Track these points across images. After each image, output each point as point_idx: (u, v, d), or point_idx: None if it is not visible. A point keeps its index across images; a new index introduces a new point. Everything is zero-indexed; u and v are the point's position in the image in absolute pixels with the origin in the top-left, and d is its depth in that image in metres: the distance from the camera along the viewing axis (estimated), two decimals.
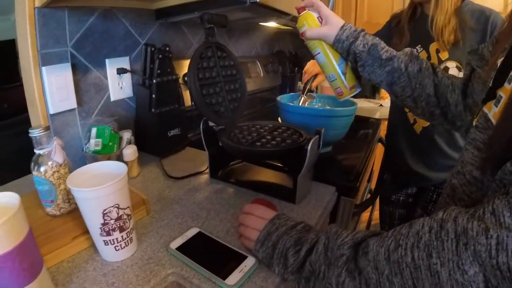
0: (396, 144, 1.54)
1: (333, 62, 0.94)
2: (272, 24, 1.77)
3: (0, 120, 2.40)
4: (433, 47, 1.33)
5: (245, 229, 0.77)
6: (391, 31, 1.50)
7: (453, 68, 1.29)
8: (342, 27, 0.90)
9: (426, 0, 1.32)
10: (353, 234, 0.62)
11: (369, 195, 1.91)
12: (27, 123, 1.09)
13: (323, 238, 0.65)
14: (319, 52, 0.95)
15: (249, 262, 0.71)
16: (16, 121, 2.37)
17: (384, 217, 1.78)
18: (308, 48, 0.98)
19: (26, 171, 1.06)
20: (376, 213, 1.90)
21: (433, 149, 1.39)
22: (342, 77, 0.95)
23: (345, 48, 0.90)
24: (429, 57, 1.34)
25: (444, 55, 1.32)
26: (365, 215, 2.28)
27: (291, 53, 2.65)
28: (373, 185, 2.02)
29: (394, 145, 1.56)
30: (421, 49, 1.36)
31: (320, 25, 0.92)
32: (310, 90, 1.50)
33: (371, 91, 3.12)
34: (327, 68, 0.96)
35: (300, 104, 1.45)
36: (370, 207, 1.99)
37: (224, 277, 0.66)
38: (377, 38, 0.91)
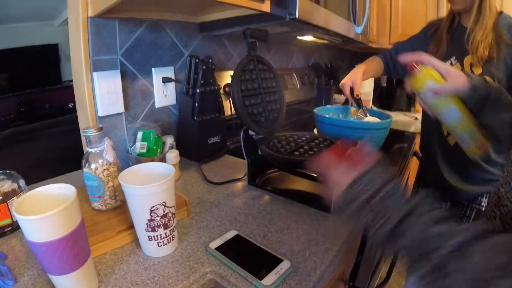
0: (430, 157, 1.52)
1: (469, 115, 0.88)
2: (308, 38, 1.81)
3: (42, 119, 2.51)
4: (467, 60, 1.31)
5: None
6: (427, 39, 1.48)
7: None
8: (467, 75, 0.88)
9: (465, 10, 1.29)
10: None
11: None
12: (69, 124, 1.15)
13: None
14: (451, 108, 0.88)
15: (285, 265, 0.74)
16: (58, 121, 2.47)
17: None
18: (429, 107, 0.92)
19: (66, 168, 1.13)
20: None
21: (466, 162, 1.34)
22: (478, 129, 0.89)
23: (481, 95, 0.85)
24: (462, 71, 1.30)
25: (478, 70, 1.29)
26: None
27: (326, 66, 2.67)
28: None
29: (428, 157, 1.55)
30: (456, 61, 1.34)
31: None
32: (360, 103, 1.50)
33: (406, 104, 3.06)
34: (461, 124, 0.89)
35: (362, 115, 1.48)
36: None
37: (261, 278, 0.69)
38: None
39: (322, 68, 2.60)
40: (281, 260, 0.75)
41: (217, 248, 0.79)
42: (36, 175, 1.01)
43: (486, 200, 1.38)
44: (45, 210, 0.52)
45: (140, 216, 0.72)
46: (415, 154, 1.87)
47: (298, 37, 1.78)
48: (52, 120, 2.56)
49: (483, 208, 1.39)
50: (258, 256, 0.78)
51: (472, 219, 1.42)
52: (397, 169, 1.41)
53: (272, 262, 0.75)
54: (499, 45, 1.22)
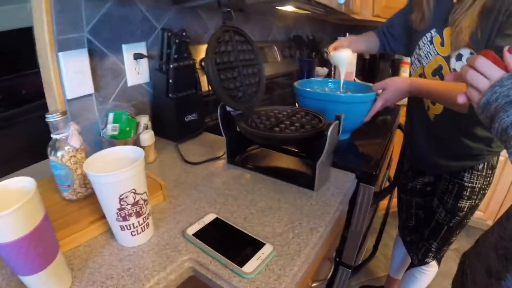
0: (412, 130, 1.50)
1: None
2: (289, 8, 1.73)
3: (19, 106, 2.44)
4: (447, 32, 1.24)
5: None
6: (411, 7, 1.41)
7: (467, 55, 1.19)
8: None
9: None
10: None
11: (387, 183, 1.89)
12: (45, 109, 1.09)
13: None
14: None
15: (267, 249, 0.70)
16: (34, 107, 2.41)
17: (401, 205, 1.76)
18: None
19: (44, 156, 1.08)
20: (395, 201, 1.87)
21: (446, 137, 1.33)
22: None
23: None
24: (442, 43, 1.25)
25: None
26: (383, 203, 2.26)
27: (308, 38, 2.61)
28: (391, 172, 1.99)
29: (410, 131, 1.53)
30: (436, 33, 1.28)
31: None
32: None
33: (389, 77, 3.04)
34: None
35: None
36: (389, 195, 1.97)
37: (241, 264, 0.66)
38: None
39: (303, 41, 2.53)
40: (263, 244, 0.72)
41: (195, 234, 0.74)
42: (13, 163, 0.97)
43: (469, 176, 1.35)
44: (2, 208, 0.47)
45: (109, 205, 0.67)
46: (399, 127, 1.84)
47: (278, 7, 1.71)
48: (29, 106, 2.50)
49: (465, 184, 1.36)
50: (239, 240, 0.74)
51: (455, 194, 1.40)
52: (381, 142, 1.38)
53: (253, 246, 0.71)
54: (482, 15, 1.12)
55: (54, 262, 0.57)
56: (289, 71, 2.32)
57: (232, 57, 1.02)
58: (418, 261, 1.63)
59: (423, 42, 1.31)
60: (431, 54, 1.28)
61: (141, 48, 1.27)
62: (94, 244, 0.73)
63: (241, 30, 1.07)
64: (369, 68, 3.10)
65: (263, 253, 0.69)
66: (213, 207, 0.87)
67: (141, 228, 0.71)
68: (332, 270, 1.07)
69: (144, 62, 1.30)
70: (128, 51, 1.22)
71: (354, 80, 2.62)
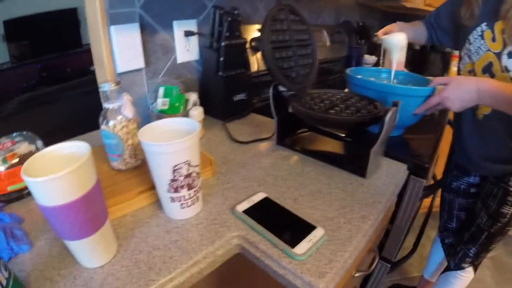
0: (459, 128, 1.43)
1: None
2: None
3: (63, 82, 2.52)
4: (498, 26, 1.16)
5: None
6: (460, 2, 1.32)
7: None
8: None
9: None
10: None
11: (432, 181, 1.83)
12: (90, 85, 1.10)
13: None
14: None
15: (318, 233, 0.68)
16: (78, 83, 2.48)
17: (444, 204, 1.70)
18: None
19: (88, 129, 1.09)
20: (437, 201, 1.82)
21: (493, 138, 1.25)
22: None
23: None
24: (493, 38, 1.17)
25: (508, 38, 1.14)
26: (426, 201, 2.21)
27: (358, 24, 2.54)
28: (437, 170, 1.93)
29: (457, 128, 1.46)
30: (487, 27, 1.19)
31: None
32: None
33: (440, 70, 2.93)
34: None
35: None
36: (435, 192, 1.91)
37: (292, 245, 0.64)
38: None
39: (353, 27, 2.47)
40: (314, 227, 0.70)
41: (245, 212, 0.73)
42: (57, 136, 0.98)
43: None
44: (56, 171, 0.47)
45: (161, 176, 0.66)
46: (449, 122, 1.78)
47: None
48: (73, 82, 2.59)
49: (511, 188, 1.28)
50: (289, 221, 0.72)
51: (499, 199, 1.33)
52: (433, 136, 1.35)
53: (304, 229, 0.70)
54: None
55: (102, 229, 0.58)
56: (338, 56, 2.28)
57: (287, 36, 1.00)
58: (455, 265, 1.57)
59: (473, 37, 1.23)
60: (481, 50, 1.21)
61: (192, 25, 1.27)
62: (141, 214, 0.74)
63: (296, 9, 1.04)
64: (419, 60, 2.96)
65: (314, 236, 0.67)
66: (262, 186, 0.85)
67: (191, 201, 0.71)
68: (376, 262, 1.04)
69: (194, 39, 1.29)
70: (179, 27, 1.22)
71: (404, 70, 2.54)
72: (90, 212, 0.54)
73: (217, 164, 0.94)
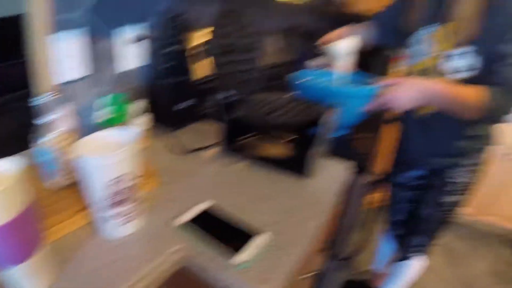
0: (404, 125, 1.49)
1: None
2: None
3: (6, 94, 2.40)
4: (444, 29, 1.20)
5: None
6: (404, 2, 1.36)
7: (465, 54, 1.15)
8: None
9: None
10: None
11: (379, 176, 1.89)
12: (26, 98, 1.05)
13: None
14: None
15: (262, 238, 0.69)
16: (19, 96, 2.36)
17: (391, 198, 1.76)
18: None
19: (26, 146, 1.04)
20: (383, 195, 1.88)
21: (436, 135, 1.32)
22: None
23: None
24: (439, 40, 1.21)
25: (456, 40, 1.16)
26: (374, 196, 2.27)
27: (307, 28, 2.59)
28: (383, 166, 2.00)
29: (403, 125, 1.52)
30: (427, 32, 1.24)
31: None
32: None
33: (381, 72, 3.05)
34: None
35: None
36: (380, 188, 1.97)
37: (236, 253, 0.65)
38: None
39: (302, 31, 2.51)
40: (258, 233, 0.71)
41: (188, 223, 0.73)
42: None
43: (457, 172, 1.36)
44: None
45: (97, 192, 0.63)
46: (394, 120, 1.85)
47: None
48: (16, 94, 2.47)
49: (453, 179, 1.37)
50: (233, 229, 0.73)
51: (442, 189, 1.40)
52: (376, 135, 1.40)
53: (247, 235, 0.71)
54: (483, 11, 1.09)
55: (38, 253, 0.54)
56: (287, 61, 2.29)
57: (231, 41, 1.01)
58: (406, 255, 1.64)
59: (414, 40, 1.29)
60: (421, 53, 1.26)
61: (139, 31, 1.24)
62: (81, 234, 0.71)
63: (242, 15, 1.05)
64: (361, 63, 3.07)
65: (258, 242, 0.68)
66: (207, 195, 0.85)
67: (130, 216, 0.69)
68: (323, 261, 1.07)
69: (142, 45, 1.27)
70: (125, 33, 1.20)
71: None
72: (24, 236, 0.51)
73: (161, 174, 0.92)
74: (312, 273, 0.99)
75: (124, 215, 0.68)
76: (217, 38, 0.95)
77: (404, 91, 1.08)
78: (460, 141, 1.29)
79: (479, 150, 1.32)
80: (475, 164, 1.36)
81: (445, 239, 2.82)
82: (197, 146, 1.11)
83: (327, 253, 1.32)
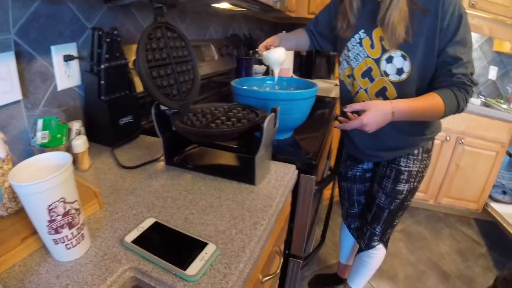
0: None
1: None
2: (225, 5, 1.69)
3: None
4: (377, 33, 1.24)
5: None
6: (336, 8, 1.40)
7: (398, 57, 1.22)
8: None
9: None
10: None
11: (329, 173, 1.93)
12: None
13: None
14: None
15: (210, 249, 0.69)
16: None
17: (343, 193, 1.80)
18: None
19: None
20: (337, 190, 1.91)
21: (381, 133, 1.30)
22: None
23: None
24: (372, 45, 1.26)
25: (388, 44, 1.21)
26: (327, 193, 2.31)
27: (245, 36, 2.61)
28: (332, 162, 2.04)
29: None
30: (365, 34, 1.27)
31: None
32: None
33: (326, 72, 3.16)
34: None
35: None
36: (331, 184, 2.01)
37: (184, 267, 0.64)
38: None
39: (241, 39, 2.53)
40: (206, 244, 0.70)
41: (134, 241, 0.71)
42: None
43: (406, 161, 1.41)
44: None
45: (38, 218, 0.62)
46: (337, 118, 1.89)
47: (213, 5, 1.67)
48: None
49: (402, 168, 1.42)
50: (181, 243, 0.72)
51: (393, 179, 1.45)
52: (320, 134, 1.41)
53: (196, 247, 0.70)
54: (413, 16, 1.14)
55: None
56: (227, 69, 2.30)
57: (164, 54, 0.99)
58: (365, 245, 1.67)
59: (351, 44, 1.31)
60: (360, 56, 1.29)
61: (72, 49, 1.21)
62: (29, 262, 0.68)
63: (173, 26, 1.04)
64: (306, 64, 3.18)
65: (206, 253, 0.67)
66: (152, 211, 0.84)
67: (76, 240, 0.67)
68: (281, 263, 1.07)
69: (75, 64, 1.23)
70: (57, 52, 1.15)
71: (292, 76, 2.65)
72: None
73: (104, 194, 0.90)
74: (274, 275, 0.98)
75: (69, 239, 0.66)
76: (148, 51, 0.93)
77: (372, 117, 1.13)
78: (403, 136, 1.34)
79: (425, 139, 1.37)
80: (425, 152, 1.40)
81: (405, 225, 2.93)
82: (140, 162, 1.09)
83: (287, 253, 1.32)
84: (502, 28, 2.89)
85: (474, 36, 3.38)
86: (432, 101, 1.15)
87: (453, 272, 2.47)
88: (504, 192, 3.22)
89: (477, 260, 2.63)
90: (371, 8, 1.23)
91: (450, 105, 1.15)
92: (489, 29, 2.89)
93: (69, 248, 0.67)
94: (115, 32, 1.17)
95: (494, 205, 3.04)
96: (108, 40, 1.15)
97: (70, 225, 0.65)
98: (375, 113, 1.13)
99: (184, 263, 0.65)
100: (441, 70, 1.19)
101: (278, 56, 1.40)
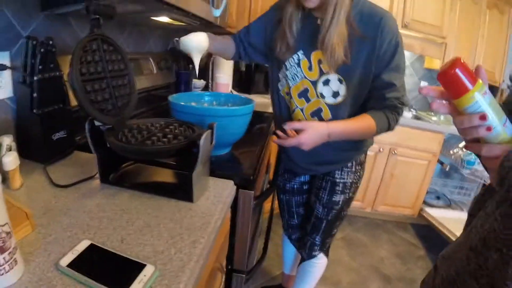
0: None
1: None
2: (165, 19, 1.68)
3: None
4: (315, 56, 1.26)
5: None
6: (273, 26, 1.37)
7: (334, 81, 1.26)
8: None
9: (318, 7, 1.19)
10: None
11: (268, 186, 1.96)
12: None
13: None
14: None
15: (148, 270, 0.67)
16: None
17: (282, 205, 1.83)
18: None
19: None
20: (277, 202, 1.94)
21: (316, 150, 1.30)
22: None
23: None
24: (310, 67, 1.28)
25: (326, 67, 1.25)
26: (267, 205, 2.34)
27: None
28: (271, 176, 2.07)
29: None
30: (303, 56, 1.29)
31: None
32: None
33: (264, 87, 3.23)
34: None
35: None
36: (271, 197, 2.04)
37: None
38: None
39: (180, 53, 2.51)
40: (144, 265, 0.69)
41: (70, 265, 0.68)
42: None
43: (340, 173, 1.47)
44: None
45: None
46: (274, 133, 1.92)
47: (153, 18, 1.64)
48: None
49: (337, 180, 1.48)
50: (118, 265, 0.69)
51: (329, 190, 1.51)
52: (258, 149, 1.43)
53: (134, 269, 0.68)
54: (352, 41, 1.18)
55: None
56: (166, 83, 2.28)
57: (99, 67, 0.97)
58: (307, 255, 1.71)
59: (289, 64, 1.33)
60: (298, 77, 1.32)
61: (4, 58, 1.13)
62: None
63: (110, 39, 1.01)
64: (245, 80, 3.24)
65: (144, 275, 0.66)
66: (87, 232, 0.80)
67: (8, 265, 0.63)
68: (223, 279, 1.07)
69: (7, 74, 1.15)
70: None
71: (231, 92, 2.67)
72: None
73: (37, 215, 0.85)
74: None
75: (2, 265, 0.62)
76: (82, 64, 0.91)
77: (308, 137, 1.17)
78: (338, 152, 1.39)
79: (358, 153, 1.43)
80: (358, 164, 1.46)
81: (345, 233, 3.02)
82: (74, 180, 1.04)
83: (229, 268, 1.32)
84: (432, 47, 3.11)
85: (407, 54, 3.54)
86: (365, 122, 1.22)
87: (394, 275, 2.59)
88: (438, 197, 3.43)
89: (416, 262, 2.77)
90: (311, 30, 1.25)
91: (381, 125, 1.23)
92: (420, 48, 3.09)
93: (2, 274, 0.62)
94: (50, 42, 1.12)
95: (428, 210, 3.22)
96: (42, 50, 1.10)
97: (1, 250, 0.61)
98: (312, 134, 1.17)
99: (122, 286, 0.63)
100: (375, 93, 1.26)
101: (198, 41, 1.30)
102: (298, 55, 1.30)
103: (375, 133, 1.24)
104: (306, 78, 1.29)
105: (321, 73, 1.26)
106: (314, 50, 1.26)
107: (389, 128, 1.27)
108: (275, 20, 1.37)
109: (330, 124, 1.20)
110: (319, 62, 1.25)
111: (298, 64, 1.30)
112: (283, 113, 1.47)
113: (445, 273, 0.77)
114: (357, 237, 3.03)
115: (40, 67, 1.11)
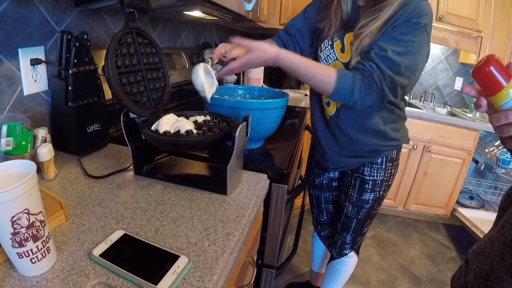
0: (315, 130, 1.53)
1: None
2: (197, 14, 1.69)
3: None
4: (348, 38, 1.24)
5: None
6: (321, 10, 1.37)
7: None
8: None
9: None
10: None
11: (300, 182, 1.94)
12: None
13: None
14: None
15: (182, 262, 0.67)
16: None
17: (312, 200, 1.82)
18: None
19: None
20: (308, 198, 1.92)
21: (342, 135, 1.36)
22: None
23: None
24: (343, 49, 1.26)
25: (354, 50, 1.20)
26: (298, 202, 2.32)
27: (216, 45, 2.58)
28: (303, 171, 2.05)
29: (314, 131, 1.56)
30: (337, 38, 1.27)
31: None
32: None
33: (296, 83, 3.22)
34: None
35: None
36: (302, 194, 2.02)
37: (156, 281, 0.62)
38: None
39: (212, 48, 2.53)
40: (178, 256, 0.68)
41: (103, 254, 0.68)
42: None
43: (369, 170, 1.43)
44: None
45: (1, 230, 0.58)
46: (307, 128, 1.90)
47: (186, 12, 1.66)
48: None
49: (366, 177, 1.44)
50: (151, 256, 0.69)
51: (358, 188, 1.47)
52: (290, 144, 1.41)
53: (167, 260, 0.67)
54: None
55: None
56: None
57: (135, 60, 0.97)
58: (337, 253, 1.68)
59: (324, 45, 1.31)
60: (330, 58, 1.29)
61: (39, 53, 1.16)
62: None
63: (145, 32, 1.02)
64: (276, 75, 3.24)
65: (178, 266, 0.65)
66: (121, 222, 0.81)
67: (42, 253, 0.64)
68: (254, 273, 1.06)
69: (42, 68, 1.18)
70: (24, 56, 1.11)
71: (262, 86, 2.66)
72: None
73: (71, 205, 0.87)
74: (248, 286, 0.97)
75: (34, 253, 0.63)
76: (118, 57, 0.91)
77: (256, 57, 1.10)
78: (362, 139, 1.34)
79: (388, 148, 1.38)
80: (389, 161, 1.41)
81: (376, 232, 2.96)
82: (108, 171, 1.05)
83: (260, 263, 1.31)
84: (468, 41, 2.99)
85: (441, 48, 3.48)
86: (322, 67, 1.13)
87: (425, 276, 2.52)
88: (472, 198, 3.33)
89: (447, 264, 2.69)
90: (352, 15, 1.24)
91: (341, 86, 1.10)
92: (455, 42, 2.98)
93: (35, 262, 0.63)
94: (85, 36, 1.13)
95: (462, 210, 3.12)
96: (77, 44, 1.11)
97: (35, 238, 0.62)
98: (258, 55, 1.10)
99: (155, 277, 0.62)
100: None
101: (202, 81, 1.15)
102: (332, 37, 1.28)
103: (332, 90, 1.10)
104: (338, 59, 1.26)
105: (352, 55, 1.23)
106: (348, 32, 1.23)
107: (352, 96, 1.10)
108: (319, 7, 1.38)
109: (282, 50, 1.12)
110: (351, 44, 1.22)
111: (332, 46, 1.27)
112: (315, 95, 1.46)
113: (477, 269, 0.75)
114: (387, 236, 2.97)
115: (75, 60, 1.12)
